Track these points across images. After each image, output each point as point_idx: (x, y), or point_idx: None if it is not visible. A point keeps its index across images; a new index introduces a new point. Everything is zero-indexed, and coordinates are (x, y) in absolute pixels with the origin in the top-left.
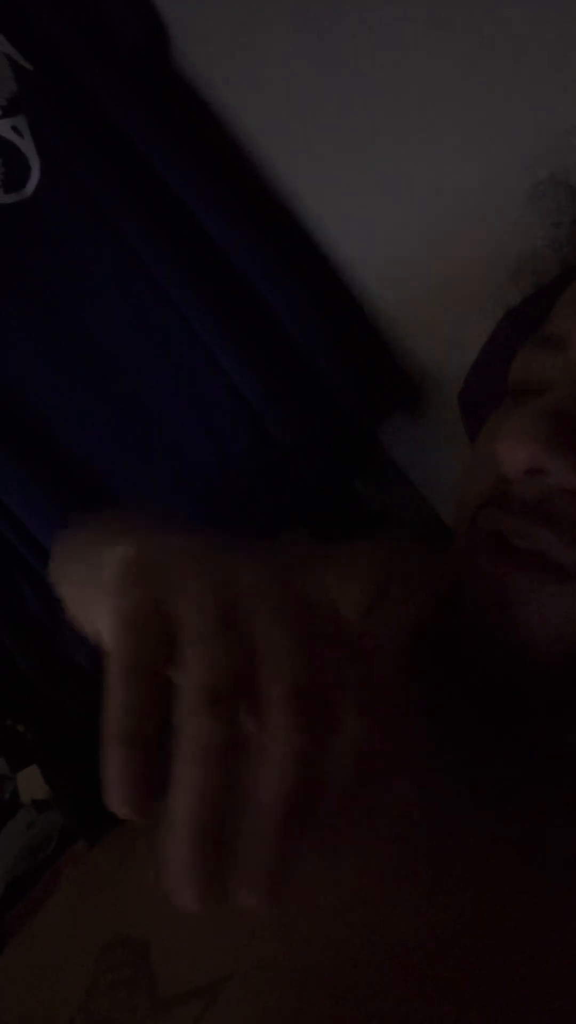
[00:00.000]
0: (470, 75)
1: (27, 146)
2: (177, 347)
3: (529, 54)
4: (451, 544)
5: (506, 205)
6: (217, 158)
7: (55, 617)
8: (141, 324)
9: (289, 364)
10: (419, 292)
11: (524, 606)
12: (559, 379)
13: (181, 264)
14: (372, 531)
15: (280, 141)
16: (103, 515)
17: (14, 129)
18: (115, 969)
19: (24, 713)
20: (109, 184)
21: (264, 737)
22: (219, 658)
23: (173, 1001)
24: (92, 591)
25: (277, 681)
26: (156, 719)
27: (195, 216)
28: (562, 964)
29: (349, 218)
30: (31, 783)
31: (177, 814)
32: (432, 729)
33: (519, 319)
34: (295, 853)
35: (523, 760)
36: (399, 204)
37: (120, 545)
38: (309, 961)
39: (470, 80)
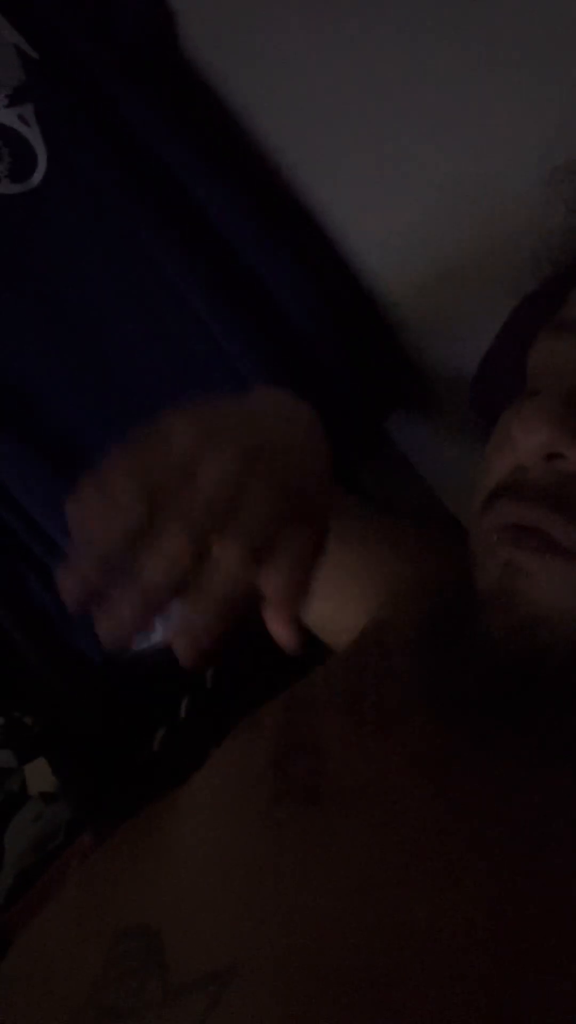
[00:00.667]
0: (482, 59)
1: (34, 135)
2: (184, 338)
3: (543, 38)
4: (464, 534)
5: (520, 191)
6: (224, 148)
7: (61, 608)
8: (148, 314)
9: (296, 356)
10: (428, 282)
11: (535, 585)
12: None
13: (188, 255)
14: None
15: (288, 130)
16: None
17: (20, 118)
18: (126, 957)
19: (31, 705)
20: (116, 174)
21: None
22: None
23: (185, 988)
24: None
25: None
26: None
27: (202, 207)
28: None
29: (358, 208)
30: (39, 775)
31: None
32: (443, 717)
33: (536, 305)
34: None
35: (536, 746)
36: (409, 193)
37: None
38: (321, 948)
39: (483, 64)
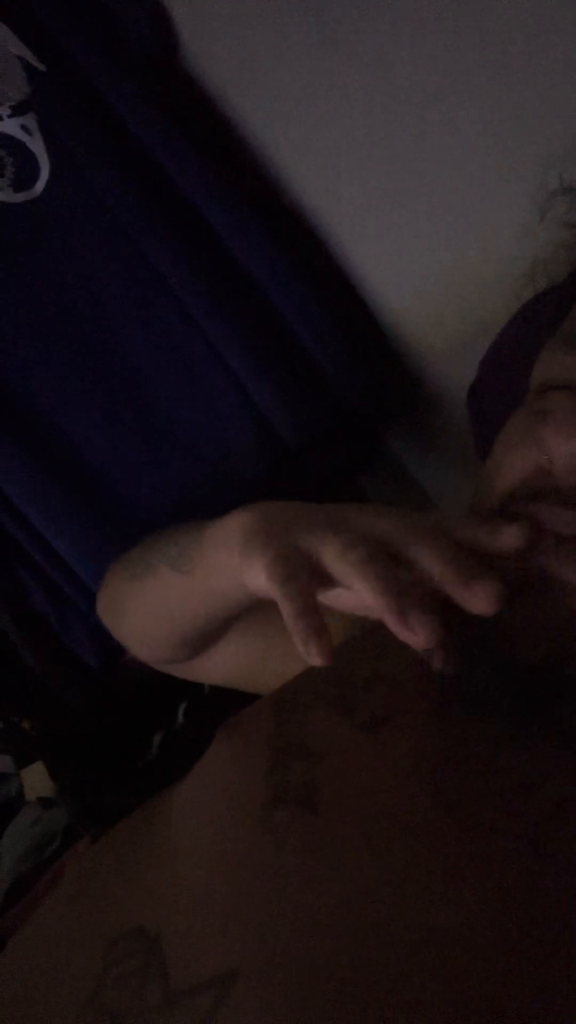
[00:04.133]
0: (481, 79)
1: (36, 145)
2: (185, 347)
3: (538, 61)
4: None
5: (516, 207)
6: (226, 158)
7: (60, 613)
8: (149, 323)
9: (296, 364)
10: (425, 293)
11: (569, 593)
12: None
13: (189, 264)
14: None
15: (289, 142)
16: None
17: (23, 128)
18: (126, 960)
19: (29, 710)
20: (118, 183)
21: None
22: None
23: (186, 992)
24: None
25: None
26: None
27: (204, 216)
28: (572, 962)
29: (357, 219)
30: (36, 780)
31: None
32: (448, 727)
33: (533, 315)
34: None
35: (540, 758)
36: (407, 205)
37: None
38: (321, 953)
39: (481, 84)
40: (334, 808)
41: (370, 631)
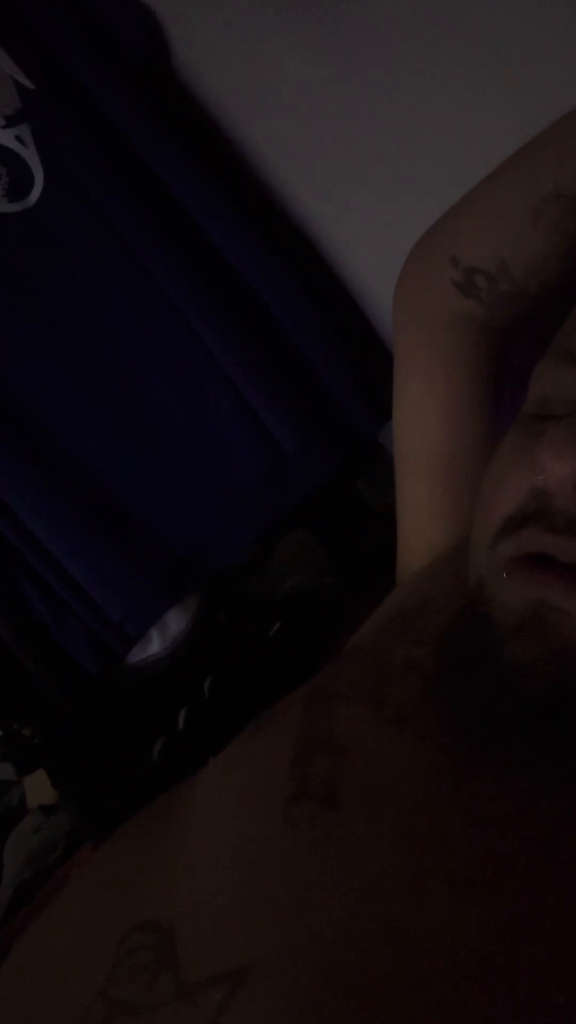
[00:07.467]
0: (474, 83)
1: (30, 155)
2: (182, 353)
3: (532, 66)
4: (461, 558)
5: None
6: (220, 166)
7: (59, 620)
8: (145, 330)
9: (292, 369)
10: None
11: (569, 620)
12: None
13: (185, 271)
14: (374, 531)
15: (283, 148)
16: None
17: (17, 139)
18: (138, 953)
19: (30, 717)
20: (113, 192)
21: None
22: None
23: (197, 986)
24: None
25: None
26: None
27: (199, 224)
28: None
29: (352, 223)
30: (38, 787)
31: None
32: (463, 732)
33: (530, 325)
34: None
35: (556, 765)
36: (402, 209)
37: None
38: (335, 951)
39: (474, 88)
40: (354, 804)
41: (411, 613)
